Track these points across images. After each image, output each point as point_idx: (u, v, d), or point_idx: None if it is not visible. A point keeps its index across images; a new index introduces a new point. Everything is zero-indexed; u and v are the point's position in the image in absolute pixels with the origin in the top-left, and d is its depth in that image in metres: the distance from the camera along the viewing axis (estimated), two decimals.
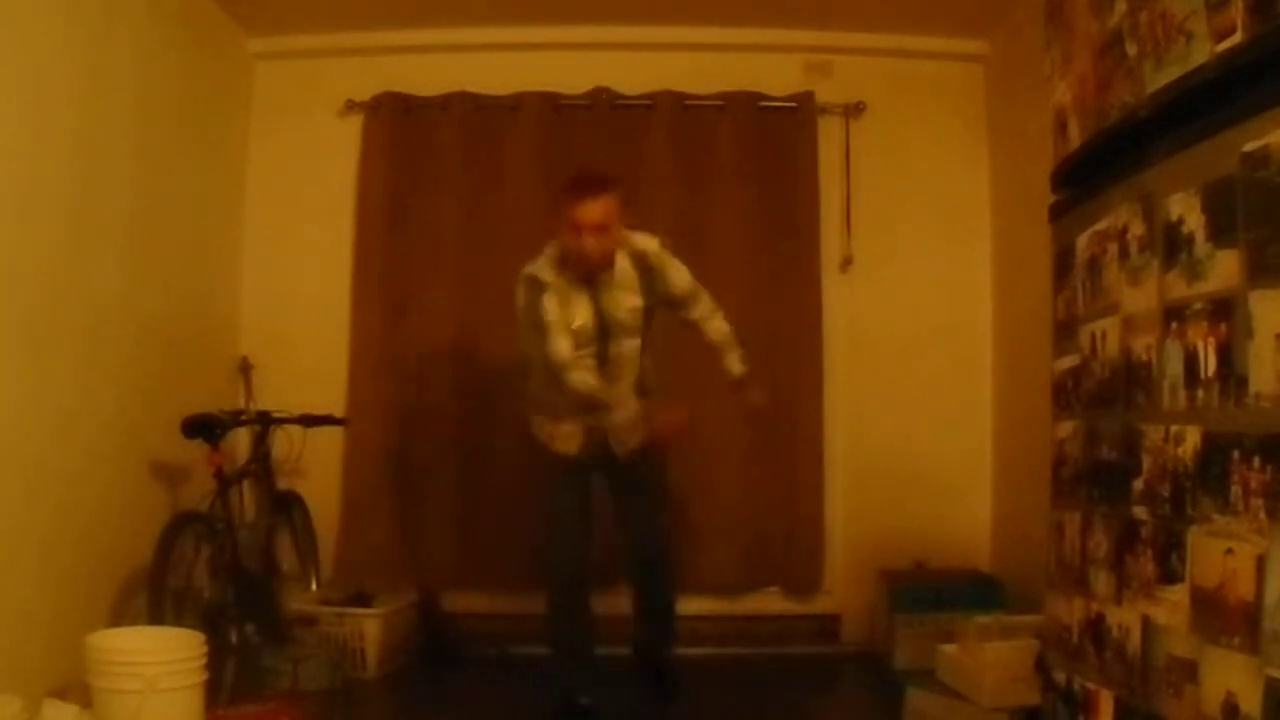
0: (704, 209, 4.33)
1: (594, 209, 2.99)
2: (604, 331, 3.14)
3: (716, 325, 3.29)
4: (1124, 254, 1.93)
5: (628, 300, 3.14)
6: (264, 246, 4.39)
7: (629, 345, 3.17)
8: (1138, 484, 1.82)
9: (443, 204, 4.33)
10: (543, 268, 3.10)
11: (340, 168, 4.39)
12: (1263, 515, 1.44)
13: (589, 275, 3.09)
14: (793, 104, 4.37)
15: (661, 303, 3.22)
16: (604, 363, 3.15)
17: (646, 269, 3.15)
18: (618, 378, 3.17)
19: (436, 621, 4.02)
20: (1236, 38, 1.53)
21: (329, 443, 4.13)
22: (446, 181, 4.33)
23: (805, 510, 4.22)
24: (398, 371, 4.29)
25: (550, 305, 3.04)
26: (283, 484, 3.96)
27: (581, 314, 3.09)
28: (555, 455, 3.25)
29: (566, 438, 3.23)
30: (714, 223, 4.31)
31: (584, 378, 3.07)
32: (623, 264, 3.14)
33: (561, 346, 3.04)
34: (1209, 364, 1.60)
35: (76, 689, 2.69)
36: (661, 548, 3.43)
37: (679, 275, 3.20)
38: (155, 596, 3.00)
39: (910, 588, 3.81)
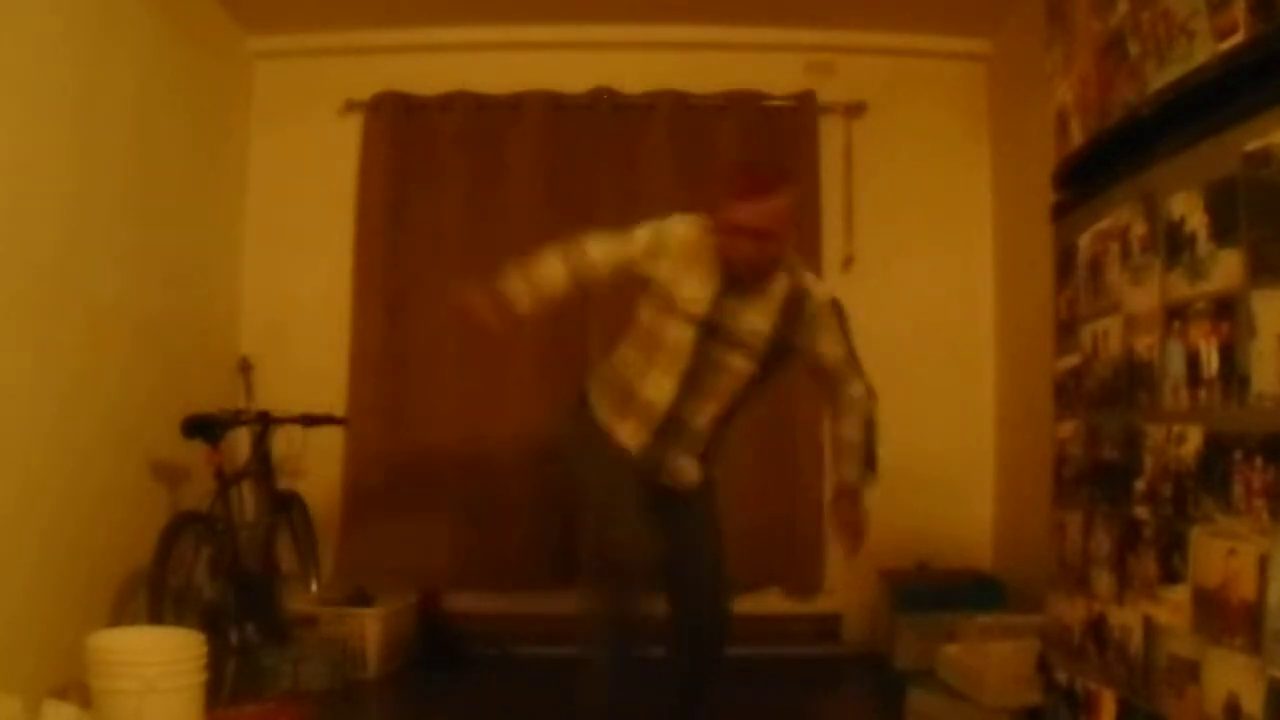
0: (705, 209, 4.31)
1: (760, 213, 2.42)
2: (709, 331, 2.50)
3: (854, 421, 2.68)
4: (1126, 253, 1.92)
5: (756, 320, 2.51)
6: (264, 246, 4.38)
7: (731, 368, 2.53)
8: (1140, 484, 1.81)
9: (443, 204, 4.32)
10: (687, 226, 2.56)
11: (340, 167, 4.39)
12: (1265, 515, 1.44)
13: (735, 280, 2.49)
14: (794, 103, 4.36)
15: (790, 355, 2.60)
16: (693, 370, 2.52)
17: (795, 310, 2.54)
18: (700, 396, 2.54)
19: (436, 621, 4.02)
20: (1238, 37, 1.53)
21: (329, 443, 4.12)
22: (447, 181, 4.32)
23: (806, 510, 4.21)
24: (398, 371, 4.29)
25: (639, 238, 2.57)
26: (283, 484, 3.95)
27: (698, 292, 2.49)
28: (608, 446, 2.59)
29: (631, 433, 2.58)
30: None
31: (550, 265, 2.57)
32: (775, 289, 2.53)
33: (592, 248, 2.57)
34: (1211, 364, 1.60)
35: (76, 689, 2.68)
36: (724, 613, 2.78)
37: (834, 338, 2.60)
38: (155, 596, 2.99)
39: (912, 588, 3.81)
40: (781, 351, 2.58)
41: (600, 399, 2.65)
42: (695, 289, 2.50)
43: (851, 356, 2.65)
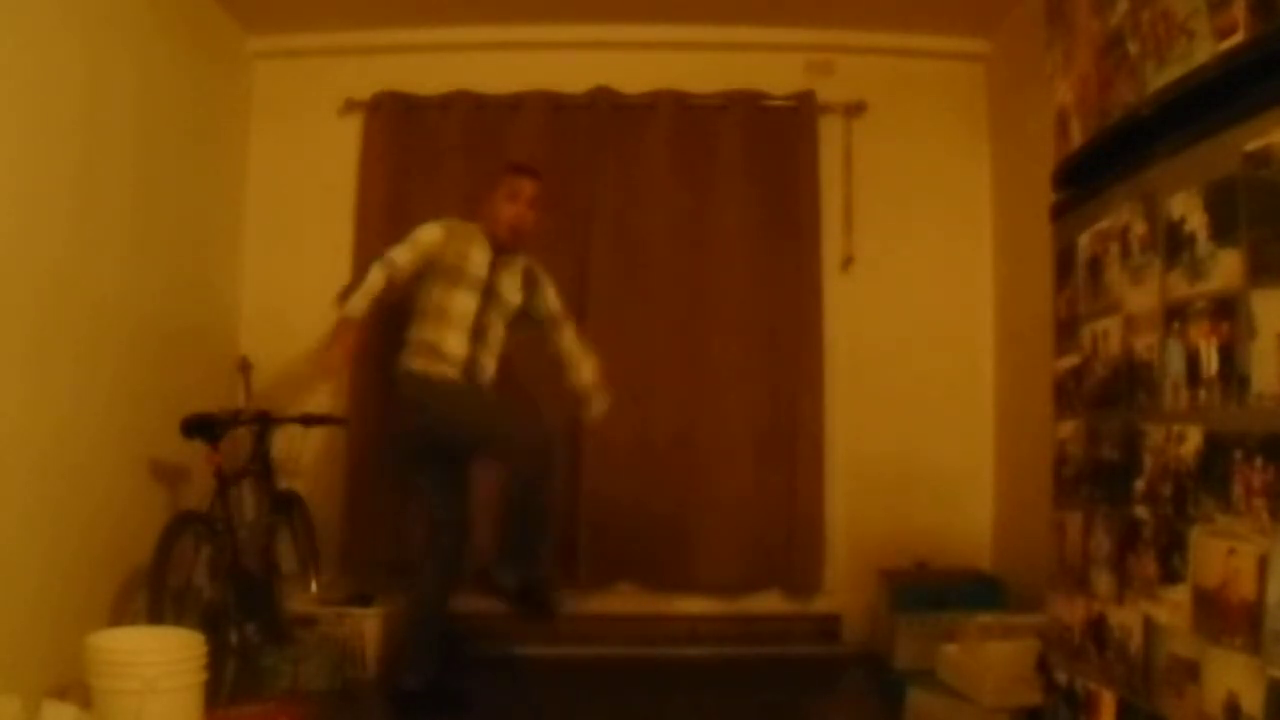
0: (705, 208, 4.32)
1: (532, 185, 3.52)
2: (487, 299, 3.47)
3: (572, 338, 3.68)
4: (1126, 253, 1.92)
5: (514, 289, 3.56)
6: (264, 246, 4.39)
7: (499, 329, 3.52)
8: (1139, 484, 1.81)
9: (443, 204, 4.29)
10: (459, 221, 3.52)
11: (340, 167, 4.39)
12: (1265, 515, 1.44)
13: (500, 247, 3.50)
14: (794, 103, 4.36)
15: (526, 314, 3.61)
16: (478, 328, 3.46)
17: (531, 279, 3.60)
18: (484, 346, 3.49)
19: None
20: (1238, 37, 1.53)
21: (329, 443, 4.12)
22: (446, 181, 4.32)
23: (806, 510, 4.22)
24: None
25: (432, 231, 3.43)
26: (283, 484, 3.95)
27: (480, 267, 3.45)
28: (422, 406, 3.43)
29: (448, 368, 3.43)
30: (715, 222, 4.31)
31: (375, 279, 3.29)
32: (519, 263, 3.58)
33: (399, 252, 3.36)
34: (1211, 363, 1.60)
35: (76, 689, 2.68)
36: (548, 436, 3.42)
37: (554, 294, 3.67)
38: (155, 596, 2.99)
39: (911, 588, 3.81)
40: (522, 313, 3.59)
41: (414, 360, 3.43)
42: (479, 257, 3.45)
43: (564, 306, 3.70)
